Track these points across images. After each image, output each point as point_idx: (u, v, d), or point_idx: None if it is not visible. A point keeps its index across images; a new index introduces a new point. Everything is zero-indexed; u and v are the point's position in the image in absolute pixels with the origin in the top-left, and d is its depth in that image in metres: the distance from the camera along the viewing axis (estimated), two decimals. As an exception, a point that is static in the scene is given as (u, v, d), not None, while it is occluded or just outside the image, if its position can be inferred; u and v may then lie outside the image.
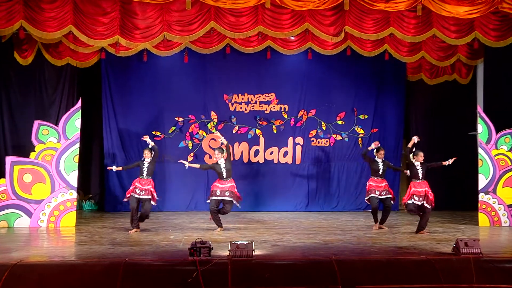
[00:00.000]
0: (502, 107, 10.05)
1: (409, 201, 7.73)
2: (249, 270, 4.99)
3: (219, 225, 8.00)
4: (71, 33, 8.48)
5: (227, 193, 7.90)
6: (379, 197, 8.28)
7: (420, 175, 7.76)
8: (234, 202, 7.96)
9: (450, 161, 7.90)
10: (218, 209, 7.99)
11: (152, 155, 7.93)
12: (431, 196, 7.73)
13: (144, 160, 7.91)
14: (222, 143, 8.20)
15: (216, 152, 8.09)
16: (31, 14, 8.21)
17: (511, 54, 9.65)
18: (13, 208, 8.43)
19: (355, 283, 4.93)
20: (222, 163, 7.99)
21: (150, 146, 7.99)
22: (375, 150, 8.48)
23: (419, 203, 7.70)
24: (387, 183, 8.44)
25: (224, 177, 7.95)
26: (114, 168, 8.39)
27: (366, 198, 8.52)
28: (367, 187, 8.44)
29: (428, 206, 7.68)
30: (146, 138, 8.16)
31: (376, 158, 8.42)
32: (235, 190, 8.00)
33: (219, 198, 7.91)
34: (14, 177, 8.45)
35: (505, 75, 10.30)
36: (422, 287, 5.00)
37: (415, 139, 7.93)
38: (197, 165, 8.44)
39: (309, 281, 4.92)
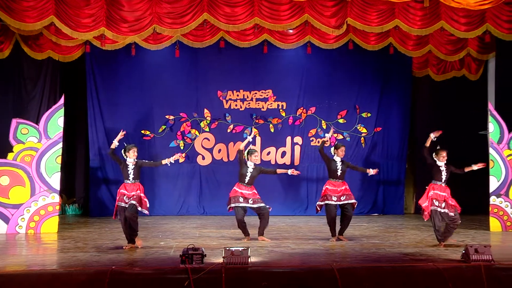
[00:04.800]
0: (514, 104, 10.08)
1: (432, 208, 7.10)
2: (245, 279, 4.98)
3: (246, 234, 7.60)
4: (53, 24, 8.42)
5: (251, 201, 7.51)
6: (337, 203, 7.55)
7: (444, 177, 7.24)
8: (264, 205, 7.58)
9: (476, 167, 7.41)
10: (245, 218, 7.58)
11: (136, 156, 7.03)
12: (452, 202, 7.21)
13: (127, 160, 6.97)
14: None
15: (256, 154, 7.67)
16: (7, 2, 8.12)
17: (524, 47, 9.68)
18: (-10, 213, 8.37)
19: (358, 292, 4.93)
20: (251, 166, 7.59)
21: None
22: (333, 147, 7.85)
23: (442, 210, 7.13)
24: (347, 187, 7.72)
25: (246, 182, 7.56)
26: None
27: (319, 204, 7.70)
28: (322, 191, 7.72)
29: (452, 214, 7.12)
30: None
31: (334, 157, 7.73)
32: (258, 196, 7.63)
33: (243, 205, 7.48)
34: (-10, 180, 8.40)
35: (518, 70, 10.33)
36: (430, 296, 5.00)
37: (432, 136, 7.34)
38: (245, 142, 7.69)
39: (309, 291, 4.91)
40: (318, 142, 11.36)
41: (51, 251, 7.00)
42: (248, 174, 7.58)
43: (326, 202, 7.59)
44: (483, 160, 9.97)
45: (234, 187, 7.64)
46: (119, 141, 7.11)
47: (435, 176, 7.31)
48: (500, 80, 10.65)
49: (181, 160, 7.18)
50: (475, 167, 7.49)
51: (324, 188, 7.74)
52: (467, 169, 7.50)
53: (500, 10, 9.04)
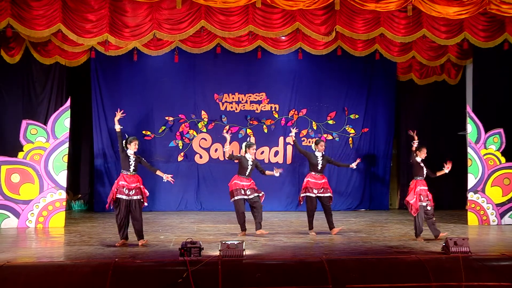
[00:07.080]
0: (490, 107, 10.16)
1: (420, 204, 6.99)
2: (240, 270, 4.98)
3: (244, 228, 7.49)
4: (60, 31, 8.40)
5: (248, 191, 7.44)
6: (315, 195, 7.58)
7: (425, 173, 7.20)
8: (260, 195, 7.51)
9: (447, 170, 7.27)
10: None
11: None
12: (429, 196, 7.19)
13: (127, 151, 6.69)
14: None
15: (254, 146, 7.62)
16: (19, 11, 8.10)
17: (499, 54, 9.74)
18: (1, 208, 8.32)
19: (346, 282, 4.95)
20: (250, 159, 7.55)
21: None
22: (313, 143, 7.85)
23: (425, 204, 7.07)
24: (326, 180, 7.72)
25: (246, 174, 7.51)
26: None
27: (301, 195, 7.72)
28: (304, 183, 7.70)
29: (429, 209, 7.11)
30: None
31: (315, 152, 7.72)
32: (255, 186, 7.58)
33: (244, 197, 7.42)
34: (1, 177, 8.34)
35: (493, 75, 10.40)
36: (412, 286, 5.03)
37: (411, 132, 7.30)
38: (228, 148, 7.67)
39: (299, 281, 4.93)
40: (310, 142, 11.38)
41: (58, 244, 6.99)
42: (249, 167, 7.53)
43: (307, 194, 7.61)
44: (461, 159, 10.05)
45: (235, 180, 7.55)
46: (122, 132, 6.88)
47: (418, 172, 7.24)
48: (477, 85, 10.72)
49: (166, 179, 6.84)
50: (446, 170, 7.31)
51: (306, 181, 7.71)
52: (439, 173, 7.39)
53: (476, 20, 9.11)
